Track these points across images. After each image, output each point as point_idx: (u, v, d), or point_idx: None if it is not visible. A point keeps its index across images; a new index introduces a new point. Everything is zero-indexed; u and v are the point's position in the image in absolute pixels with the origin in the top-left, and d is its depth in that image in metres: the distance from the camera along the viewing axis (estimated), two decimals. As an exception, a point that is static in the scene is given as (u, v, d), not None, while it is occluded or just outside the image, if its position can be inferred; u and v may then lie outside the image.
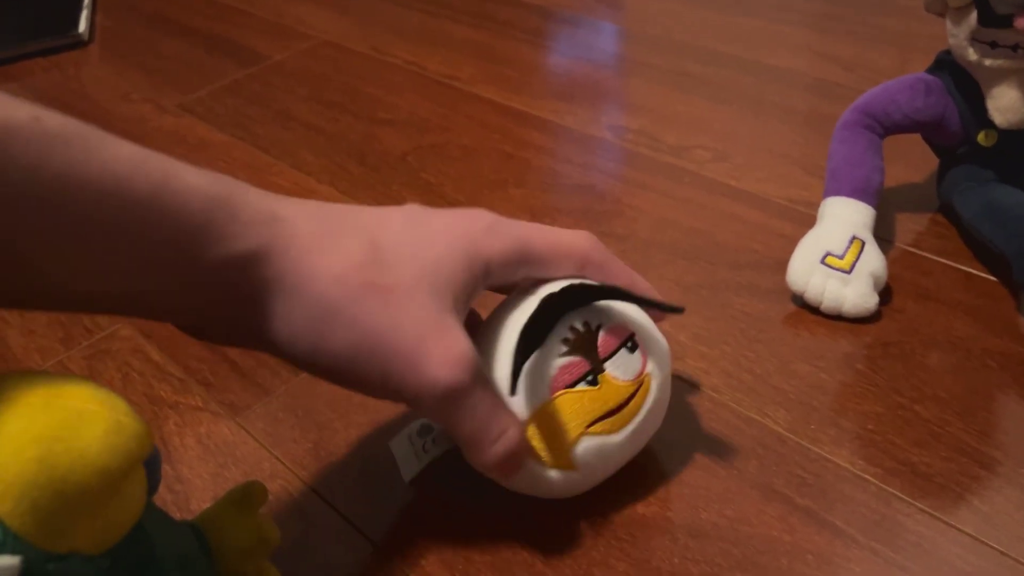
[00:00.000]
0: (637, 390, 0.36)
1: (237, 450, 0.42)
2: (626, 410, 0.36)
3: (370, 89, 0.78)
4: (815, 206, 0.51)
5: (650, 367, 0.37)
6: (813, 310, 0.47)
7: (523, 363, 0.34)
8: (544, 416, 0.35)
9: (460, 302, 0.32)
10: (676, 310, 0.37)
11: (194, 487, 0.41)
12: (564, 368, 0.35)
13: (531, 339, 0.34)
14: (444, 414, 0.32)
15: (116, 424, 0.23)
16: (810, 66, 0.74)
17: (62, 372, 0.25)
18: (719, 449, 0.40)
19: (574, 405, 0.35)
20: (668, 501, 0.38)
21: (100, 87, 0.83)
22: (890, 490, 0.38)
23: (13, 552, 0.22)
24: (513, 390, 0.33)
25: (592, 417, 0.35)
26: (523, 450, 0.34)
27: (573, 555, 0.36)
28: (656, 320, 0.38)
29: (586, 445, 0.35)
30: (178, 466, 0.42)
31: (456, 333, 0.31)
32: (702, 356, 0.45)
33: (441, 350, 0.30)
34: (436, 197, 0.61)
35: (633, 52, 0.81)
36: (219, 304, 0.29)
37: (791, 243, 0.48)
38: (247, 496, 0.35)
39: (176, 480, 0.41)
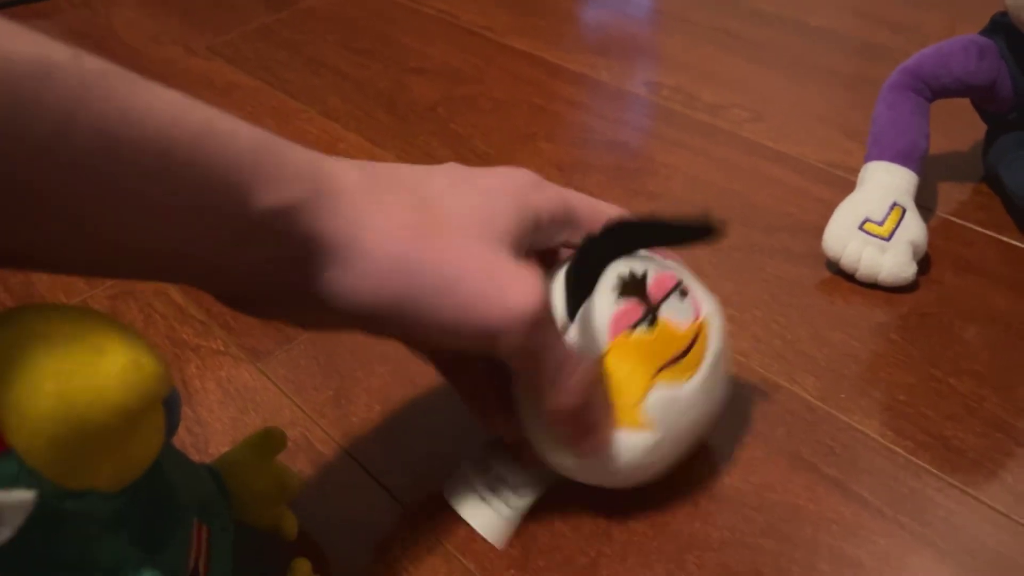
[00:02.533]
0: (697, 336, 0.34)
1: (257, 395, 0.42)
2: (690, 356, 0.34)
3: (402, 37, 0.76)
4: (855, 171, 0.50)
5: (704, 312, 0.35)
6: (848, 277, 0.46)
7: (577, 305, 0.32)
8: (609, 363, 0.33)
9: (517, 250, 0.31)
10: (713, 231, 0.34)
11: (213, 430, 0.41)
12: (620, 313, 0.33)
13: (579, 282, 0.33)
14: (529, 346, 0.30)
15: (135, 362, 0.23)
16: (854, 27, 0.72)
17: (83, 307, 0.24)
18: (745, 414, 0.39)
19: (638, 348, 0.33)
20: (691, 465, 0.37)
21: (129, 27, 0.82)
22: (920, 463, 0.37)
23: (27, 487, 0.21)
24: (570, 329, 0.32)
25: (658, 363, 0.33)
26: (599, 394, 0.32)
27: (591, 513, 0.36)
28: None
29: (656, 396, 0.33)
30: (198, 409, 0.42)
31: (525, 267, 0.30)
32: (731, 319, 0.44)
33: (517, 282, 0.29)
34: (465, 149, 0.60)
35: (670, 7, 0.79)
36: (267, 259, 0.27)
37: (828, 208, 0.47)
38: (266, 442, 0.34)
39: (196, 423, 0.41)
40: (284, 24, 0.80)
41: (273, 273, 0.28)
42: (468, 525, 0.35)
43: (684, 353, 0.34)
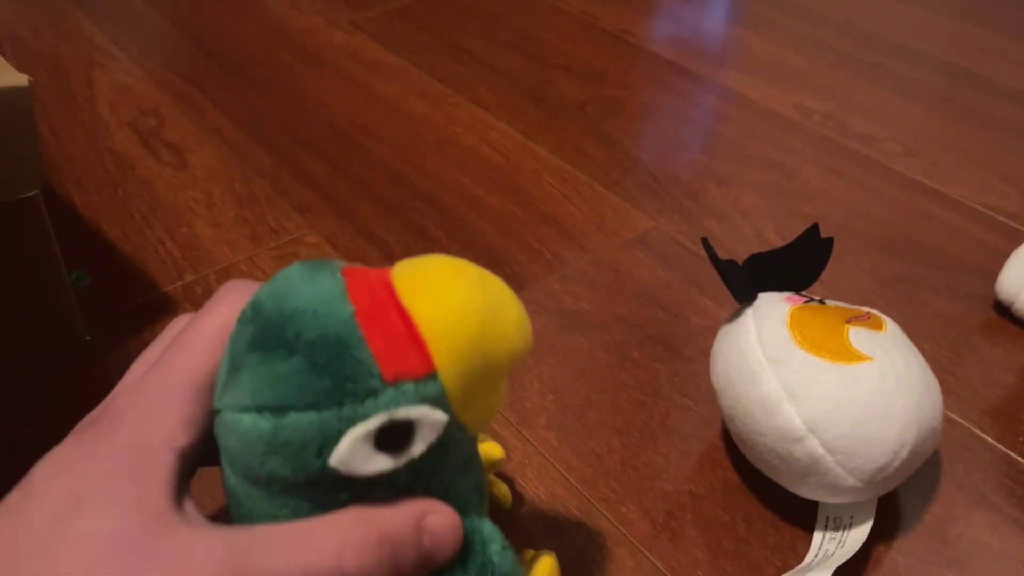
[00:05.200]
0: (870, 315, 0.36)
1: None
2: (873, 319, 0.36)
3: (544, 34, 0.77)
4: (1015, 216, 0.50)
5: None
6: (1016, 322, 0.46)
7: (737, 277, 0.36)
8: (799, 319, 0.34)
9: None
10: (825, 244, 0.37)
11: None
12: (788, 296, 0.36)
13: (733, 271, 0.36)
14: None
15: (524, 316, 0.25)
16: (1008, 73, 0.72)
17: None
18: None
19: (820, 309, 0.35)
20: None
21: (273, -6, 0.84)
22: (1100, 515, 0.37)
23: (443, 409, 0.22)
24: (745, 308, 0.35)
25: (844, 316, 0.35)
26: None
27: (776, 526, 0.36)
28: None
29: (856, 333, 0.34)
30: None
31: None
32: (899, 351, 0.45)
33: None
34: (618, 152, 0.60)
35: (817, 33, 0.79)
36: None
37: (990, 250, 0.48)
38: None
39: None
40: (425, 7, 0.81)
41: None
42: (651, 520, 0.36)
43: (864, 318, 0.36)
